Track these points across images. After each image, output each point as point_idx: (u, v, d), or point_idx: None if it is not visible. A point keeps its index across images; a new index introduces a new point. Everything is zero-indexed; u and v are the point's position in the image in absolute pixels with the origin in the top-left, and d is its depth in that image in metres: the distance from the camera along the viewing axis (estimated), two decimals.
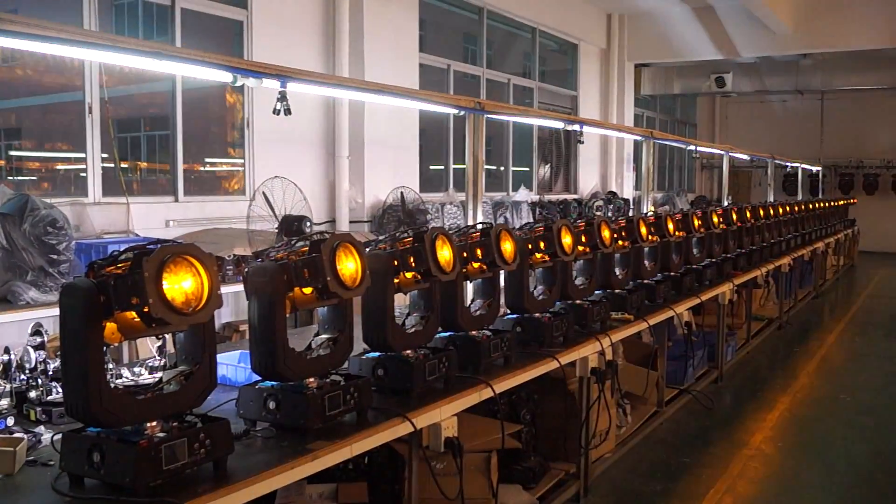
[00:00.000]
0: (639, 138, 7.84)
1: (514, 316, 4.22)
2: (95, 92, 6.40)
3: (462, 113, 4.62)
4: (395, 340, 3.11)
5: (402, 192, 8.70)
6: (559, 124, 5.82)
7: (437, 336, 3.56)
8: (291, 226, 7.01)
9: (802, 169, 16.60)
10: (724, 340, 7.39)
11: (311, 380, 2.73)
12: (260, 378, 2.73)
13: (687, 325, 5.98)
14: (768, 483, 4.86)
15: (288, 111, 3.24)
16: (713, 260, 7.24)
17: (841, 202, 16.50)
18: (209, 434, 2.26)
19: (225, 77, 3.04)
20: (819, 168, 18.57)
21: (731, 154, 10.73)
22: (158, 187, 7.72)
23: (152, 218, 6.75)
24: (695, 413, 6.29)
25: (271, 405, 2.65)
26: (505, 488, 4.03)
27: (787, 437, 5.74)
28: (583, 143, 6.23)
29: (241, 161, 8.08)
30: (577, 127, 6.06)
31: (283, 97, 3.23)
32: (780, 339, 9.27)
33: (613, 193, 15.33)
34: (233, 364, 3.39)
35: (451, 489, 3.26)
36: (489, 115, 4.79)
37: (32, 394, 2.71)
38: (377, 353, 3.21)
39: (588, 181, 15.39)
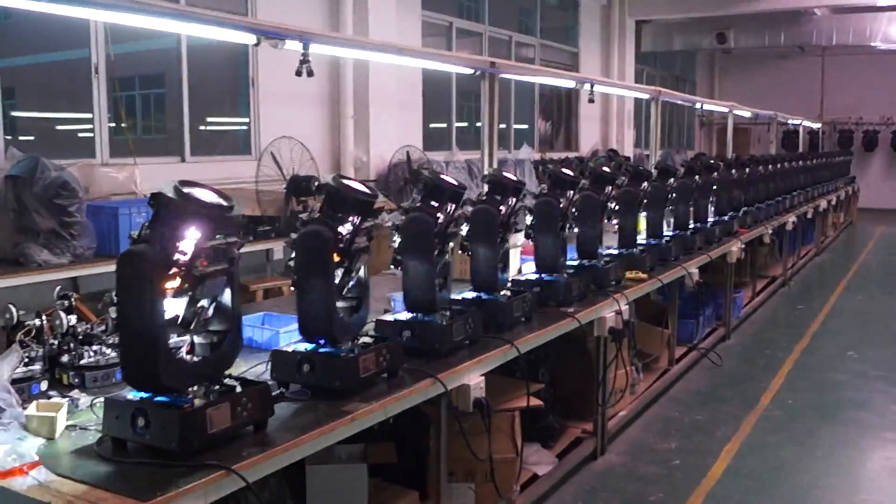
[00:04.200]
0: (646, 97, 7.76)
1: (533, 276, 4.23)
2: (101, 50, 6.28)
3: (477, 73, 4.55)
4: (438, 304, 3.11)
5: (407, 152, 8.63)
6: (571, 83, 5.75)
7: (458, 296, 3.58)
8: (299, 186, 6.95)
9: (803, 126, 16.52)
10: (731, 298, 7.43)
11: (344, 342, 2.73)
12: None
13: (697, 283, 6.00)
14: (782, 440, 4.91)
15: (310, 73, 3.18)
16: (722, 217, 7.26)
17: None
18: (251, 398, 2.26)
19: (248, 39, 2.97)
20: (820, 125, 18.49)
21: (735, 111, 10.65)
22: (159, 147, 7.62)
23: (159, 179, 6.66)
24: (705, 371, 6.34)
25: (305, 368, 2.65)
26: (525, 447, 4.07)
27: (798, 394, 5.80)
28: (593, 101, 6.17)
29: (246, 120, 7.98)
30: (587, 86, 5.99)
31: (305, 59, 3.16)
32: (784, 297, 9.32)
33: (614, 151, 15.25)
34: (257, 326, 3.39)
35: (478, 448, 3.29)
36: (502, 75, 4.73)
37: (65, 358, 2.70)
38: (404, 316, 3.21)
39: (589, 139, 15.30)
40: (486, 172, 4.53)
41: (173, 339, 2.23)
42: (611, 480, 4.33)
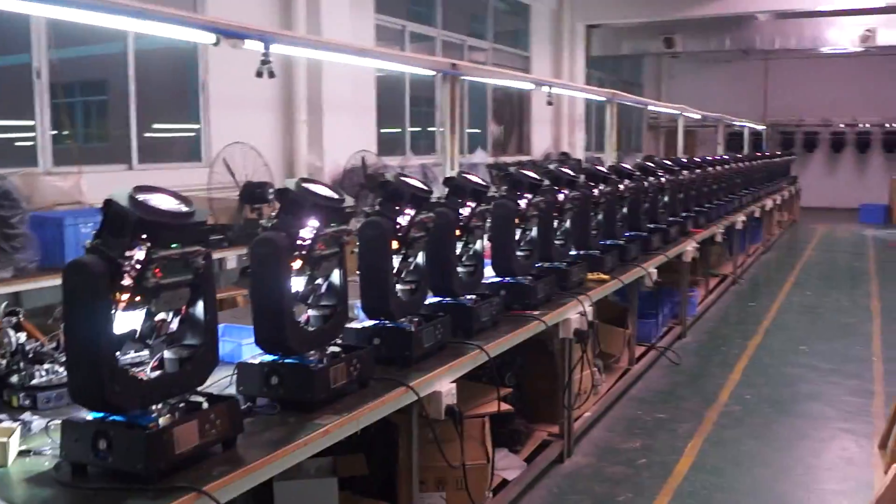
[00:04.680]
0: (602, 99, 7.82)
1: (497, 279, 4.19)
2: (43, 55, 6.03)
3: (438, 74, 4.50)
4: (396, 308, 3.03)
5: (362, 157, 8.54)
6: (530, 86, 5.75)
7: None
8: (253, 192, 6.81)
9: (748, 128, 16.95)
10: (686, 297, 7.52)
11: (312, 353, 2.65)
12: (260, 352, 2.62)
13: (656, 282, 6.05)
14: (742, 434, 4.98)
15: (272, 74, 3.09)
16: (676, 218, 7.35)
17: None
18: (218, 414, 2.16)
19: (207, 38, 2.86)
20: (764, 127, 18.97)
21: (685, 114, 10.84)
22: (100, 155, 7.36)
23: (105, 188, 6.44)
24: (663, 369, 6.40)
25: (273, 380, 2.55)
26: None
27: (754, 389, 5.89)
28: (552, 104, 6.18)
29: (196, 126, 7.78)
30: (545, 89, 6.00)
31: (266, 59, 3.07)
32: (735, 295, 9.49)
33: (566, 154, 15.37)
34: (220, 338, 3.26)
35: (450, 456, 3.23)
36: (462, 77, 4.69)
37: (14, 378, 2.55)
38: (372, 322, 3.13)
39: (541, 142, 15.38)
40: (448, 175, 4.47)
41: (132, 355, 2.12)
42: (579, 482, 4.31)
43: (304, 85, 8.43)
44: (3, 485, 2.00)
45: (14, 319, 2.70)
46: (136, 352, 2.14)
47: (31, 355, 2.65)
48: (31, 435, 2.31)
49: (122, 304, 2.00)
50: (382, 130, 10.51)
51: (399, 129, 11.32)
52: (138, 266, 1.98)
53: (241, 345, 3.11)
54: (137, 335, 2.10)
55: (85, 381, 1.98)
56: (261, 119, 8.20)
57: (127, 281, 1.98)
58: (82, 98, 8.10)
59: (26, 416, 2.41)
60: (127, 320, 2.05)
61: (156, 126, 7.82)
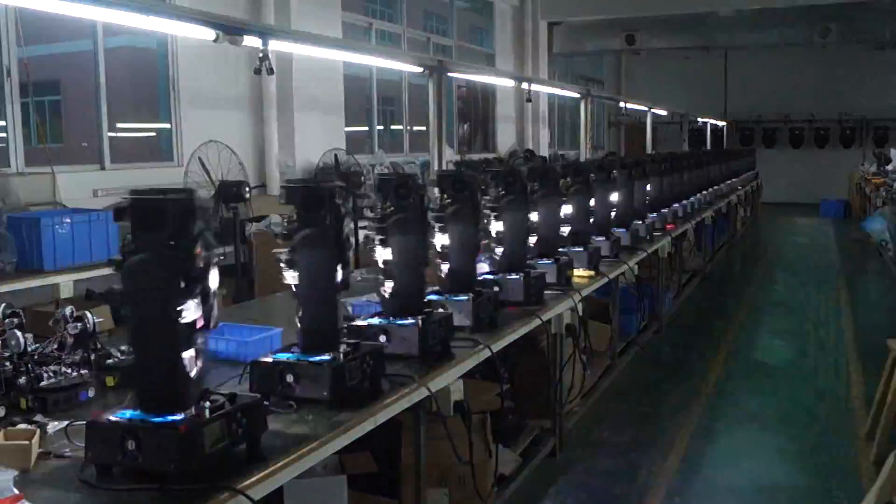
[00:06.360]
0: (575, 96, 7.90)
1: (490, 275, 4.20)
2: (13, 52, 5.86)
3: (425, 72, 4.50)
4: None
5: (336, 154, 8.46)
6: (510, 82, 5.78)
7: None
8: (230, 192, 6.71)
9: (710, 124, 17.26)
10: (663, 293, 7.63)
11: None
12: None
13: (637, 278, 6.12)
14: (729, 425, 5.08)
15: (270, 70, 3.05)
16: (653, 214, 7.44)
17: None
18: (244, 413, 2.13)
19: (207, 34, 2.81)
20: (724, 123, 19.31)
21: (653, 111, 11.00)
22: (71, 156, 7.19)
23: (78, 188, 6.31)
24: (644, 364, 6.48)
25: (289, 378, 2.52)
26: None
27: (736, 381, 6.01)
28: (530, 101, 6.22)
29: (165, 126, 7.65)
30: (525, 85, 6.04)
31: (265, 56, 3.03)
32: (706, 290, 9.65)
33: (531, 151, 15.44)
34: (220, 336, 3.21)
35: (451, 453, 3.23)
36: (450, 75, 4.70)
37: (22, 380, 2.47)
38: (378, 320, 3.12)
39: (506, 140, 15.45)
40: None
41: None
42: (574, 476, 4.35)
43: (275, 82, 8.32)
44: (30, 488, 1.94)
45: (17, 320, 2.62)
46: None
47: (35, 356, 2.59)
48: (46, 437, 2.25)
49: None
50: (347, 129, 10.44)
51: (365, 128, 11.27)
52: (201, 264, 1.98)
53: (247, 343, 3.08)
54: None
55: (159, 384, 2.00)
56: (231, 117, 8.09)
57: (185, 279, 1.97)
58: (49, 97, 7.91)
59: (38, 417, 2.35)
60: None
61: (120, 126, 7.64)
